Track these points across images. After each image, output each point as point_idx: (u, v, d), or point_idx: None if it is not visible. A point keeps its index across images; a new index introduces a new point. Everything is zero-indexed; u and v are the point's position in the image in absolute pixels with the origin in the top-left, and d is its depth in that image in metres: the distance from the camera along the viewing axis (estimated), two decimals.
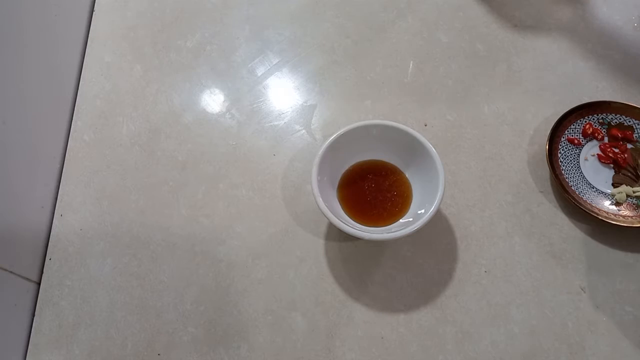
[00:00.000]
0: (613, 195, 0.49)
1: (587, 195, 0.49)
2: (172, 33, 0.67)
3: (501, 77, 0.59)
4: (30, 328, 0.50)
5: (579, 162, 0.52)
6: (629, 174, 0.51)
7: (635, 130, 0.53)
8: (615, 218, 0.48)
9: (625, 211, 0.48)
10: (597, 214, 0.48)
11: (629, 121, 0.53)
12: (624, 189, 0.49)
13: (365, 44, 0.63)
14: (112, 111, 0.61)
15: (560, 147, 0.52)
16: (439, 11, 0.65)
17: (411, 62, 0.61)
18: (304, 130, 0.58)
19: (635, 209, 0.48)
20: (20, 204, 0.52)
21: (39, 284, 0.52)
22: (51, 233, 0.55)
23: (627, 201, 0.49)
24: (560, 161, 0.51)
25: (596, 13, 0.63)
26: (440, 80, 0.60)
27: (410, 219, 0.47)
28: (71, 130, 0.61)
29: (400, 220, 0.47)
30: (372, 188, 0.49)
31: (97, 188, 0.56)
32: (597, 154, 0.52)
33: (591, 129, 0.53)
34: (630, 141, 0.52)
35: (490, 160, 0.54)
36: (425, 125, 0.57)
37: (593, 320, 0.45)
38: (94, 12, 0.70)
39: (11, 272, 0.49)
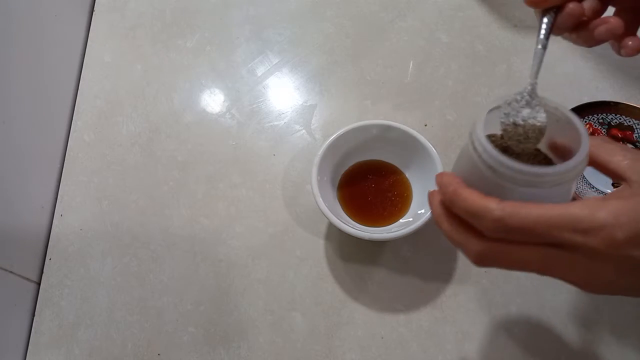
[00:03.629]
0: None
1: (587, 195, 0.49)
2: (172, 33, 0.67)
3: (501, 77, 0.59)
4: (30, 328, 0.50)
5: None
6: None
7: (635, 130, 0.52)
8: None
9: None
10: None
11: (629, 121, 0.53)
12: None
13: (365, 44, 0.63)
14: (112, 111, 0.61)
15: None
16: (439, 11, 0.65)
17: (411, 62, 0.61)
18: (304, 130, 0.58)
19: None
20: (20, 204, 0.52)
21: (39, 284, 0.52)
22: (51, 233, 0.55)
23: None
24: None
25: None
26: (440, 80, 0.60)
27: (410, 219, 0.47)
28: (71, 130, 0.61)
29: (400, 220, 0.47)
30: (372, 188, 0.49)
31: (97, 188, 0.56)
32: None
33: (591, 129, 0.53)
34: (630, 141, 0.52)
35: None
36: (425, 125, 0.57)
37: (593, 320, 0.45)
38: (94, 12, 0.70)
39: (11, 272, 0.49)
